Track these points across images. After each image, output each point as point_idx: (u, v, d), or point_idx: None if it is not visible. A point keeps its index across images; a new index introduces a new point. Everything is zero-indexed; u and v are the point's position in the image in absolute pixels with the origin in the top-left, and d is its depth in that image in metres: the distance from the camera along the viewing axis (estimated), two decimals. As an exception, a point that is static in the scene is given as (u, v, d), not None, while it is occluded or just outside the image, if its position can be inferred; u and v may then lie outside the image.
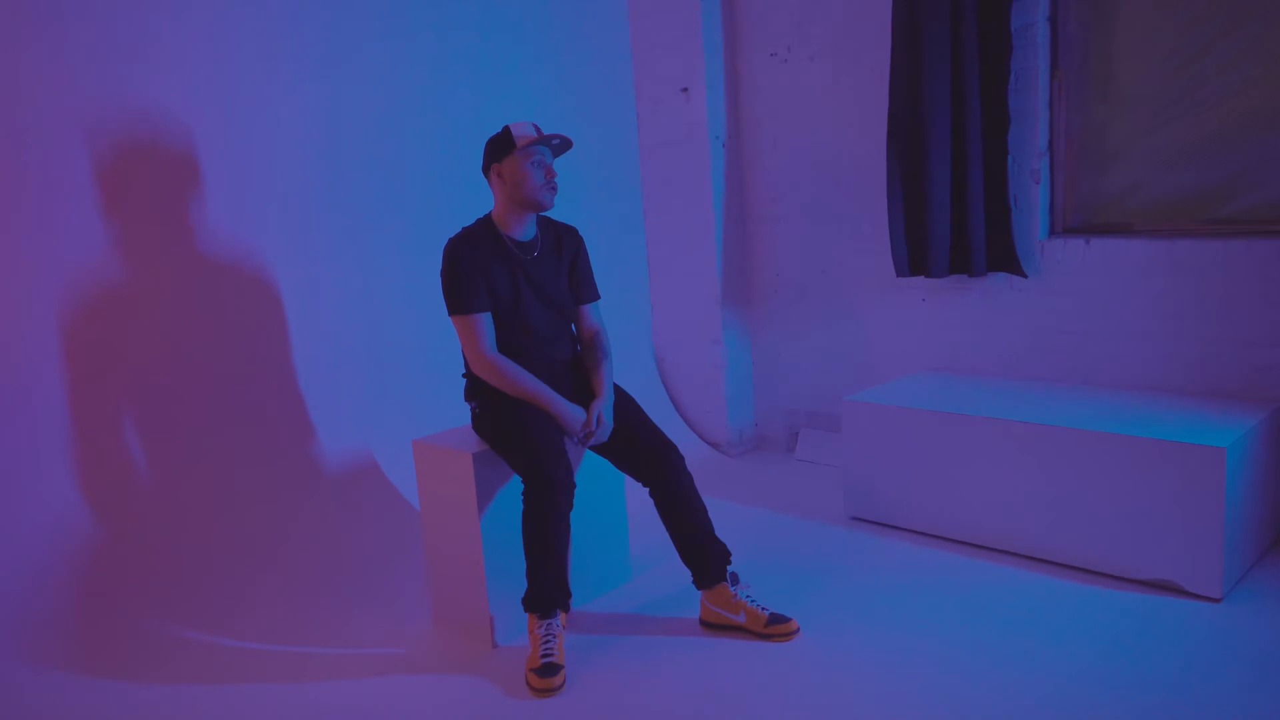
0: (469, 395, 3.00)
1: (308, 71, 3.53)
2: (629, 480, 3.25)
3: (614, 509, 3.29)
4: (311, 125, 3.56)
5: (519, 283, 2.89)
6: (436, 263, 2.94)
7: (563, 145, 2.93)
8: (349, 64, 3.64)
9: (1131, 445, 2.97)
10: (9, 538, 2.93)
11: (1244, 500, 2.95)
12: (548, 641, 2.76)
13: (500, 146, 2.87)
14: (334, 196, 3.65)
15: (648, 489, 2.98)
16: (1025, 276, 3.61)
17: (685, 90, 4.31)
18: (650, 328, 4.74)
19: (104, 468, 3.14)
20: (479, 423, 2.97)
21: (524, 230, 2.92)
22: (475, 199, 3.36)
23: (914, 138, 3.62)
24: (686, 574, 3.13)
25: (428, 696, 2.68)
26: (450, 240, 2.89)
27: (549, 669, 2.69)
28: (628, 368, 4.60)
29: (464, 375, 3.01)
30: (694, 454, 4.53)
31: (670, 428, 4.63)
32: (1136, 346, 3.45)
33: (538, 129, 2.89)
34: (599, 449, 3.01)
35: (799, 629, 2.88)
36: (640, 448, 2.97)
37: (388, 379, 3.83)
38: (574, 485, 2.80)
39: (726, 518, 3.77)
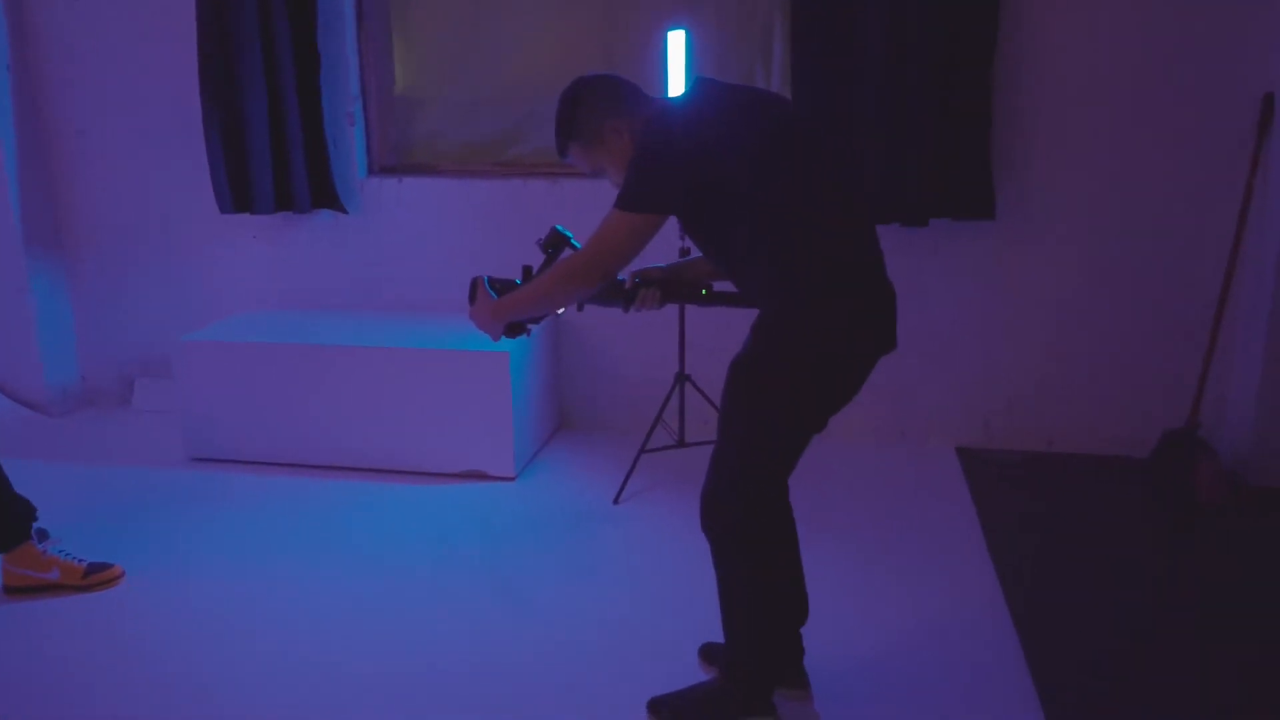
0: None
1: None
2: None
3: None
4: None
5: None
6: None
7: None
8: None
9: (431, 357, 3.39)
10: None
11: (526, 394, 3.55)
12: None
13: None
14: None
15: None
16: (347, 213, 3.85)
17: (-47, -1, 3.71)
18: (-65, 278, 4.05)
19: None
20: None
21: None
22: None
23: (227, 78, 3.60)
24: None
25: None
26: None
27: None
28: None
29: None
30: (10, 417, 4.02)
31: (-28, 391, 4.05)
32: (445, 274, 3.89)
33: None
34: None
35: (123, 573, 2.78)
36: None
37: None
38: None
39: (49, 480, 3.45)
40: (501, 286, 2.19)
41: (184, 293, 4.11)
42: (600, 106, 1.99)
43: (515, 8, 3.81)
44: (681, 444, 3.44)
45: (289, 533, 3.07)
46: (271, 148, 3.68)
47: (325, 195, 3.78)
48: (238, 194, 3.72)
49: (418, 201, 3.86)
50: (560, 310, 2.13)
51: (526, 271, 2.24)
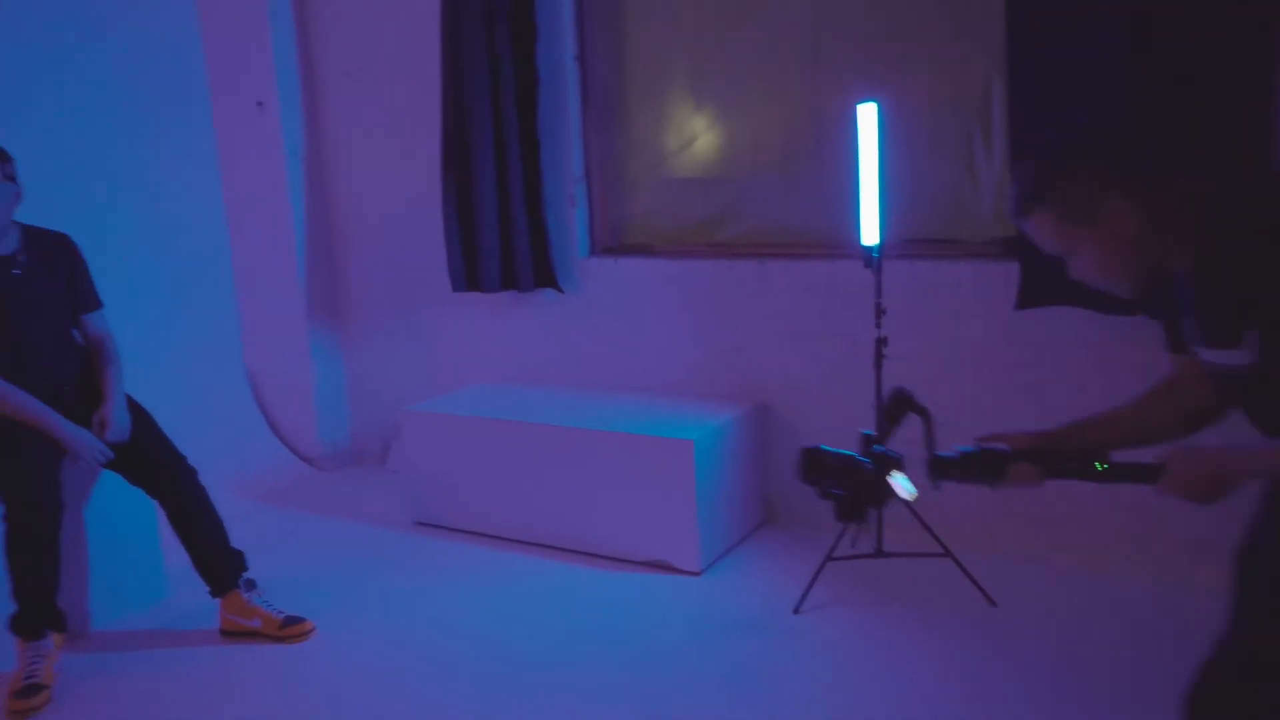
0: (-40, 414, 2.86)
1: None
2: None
3: (144, 522, 3.23)
4: None
5: (5, 299, 2.79)
6: None
7: None
8: None
9: (618, 441, 3.35)
10: None
11: (719, 485, 3.39)
12: (34, 664, 2.69)
13: None
14: None
15: (158, 503, 2.98)
16: (563, 292, 3.95)
17: (260, 104, 4.32)
18: (240, 345, 4.69)
19: None
20: (-33, 442, 2.83)
21: (3, 245, 2.83)
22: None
23: (463, 162, 3.86)
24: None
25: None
26: None
27: (29, 690, 2.63)
28: (216, 387, 4.53)
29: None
30: (285, 470, 4.52)
31: (262, 443, 4.60)
32: (656, 354, 3.86)
33: None
34: (112, 465, 2.95)
35: (314, 628, 2.99)
36: (150, 462, 2.96)
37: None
38: (62, 506, 2.74)
39: (293, 529, 3.85)
40: (836, 458, 1.79)
41: (431, 362, 4.43)
42: (1108, 174, 1.49)
43: (730, 89, 3.75)
44: (879, 554, 3.11)
45: (470, 605, 3.16)
46: (500, 229, 3.88)
47: (544, 275, 3.91)
48: (469, 273, 3.96)
49: (632, 281, 3.88)
50: None
51: (867, 440, 1.79)
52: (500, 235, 3.89)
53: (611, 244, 4.02)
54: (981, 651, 2.72)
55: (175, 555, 3.29)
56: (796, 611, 2.99)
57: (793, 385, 3.64)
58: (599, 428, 3.41)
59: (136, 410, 3.01)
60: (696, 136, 3.85)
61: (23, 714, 2.58)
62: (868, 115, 2.79)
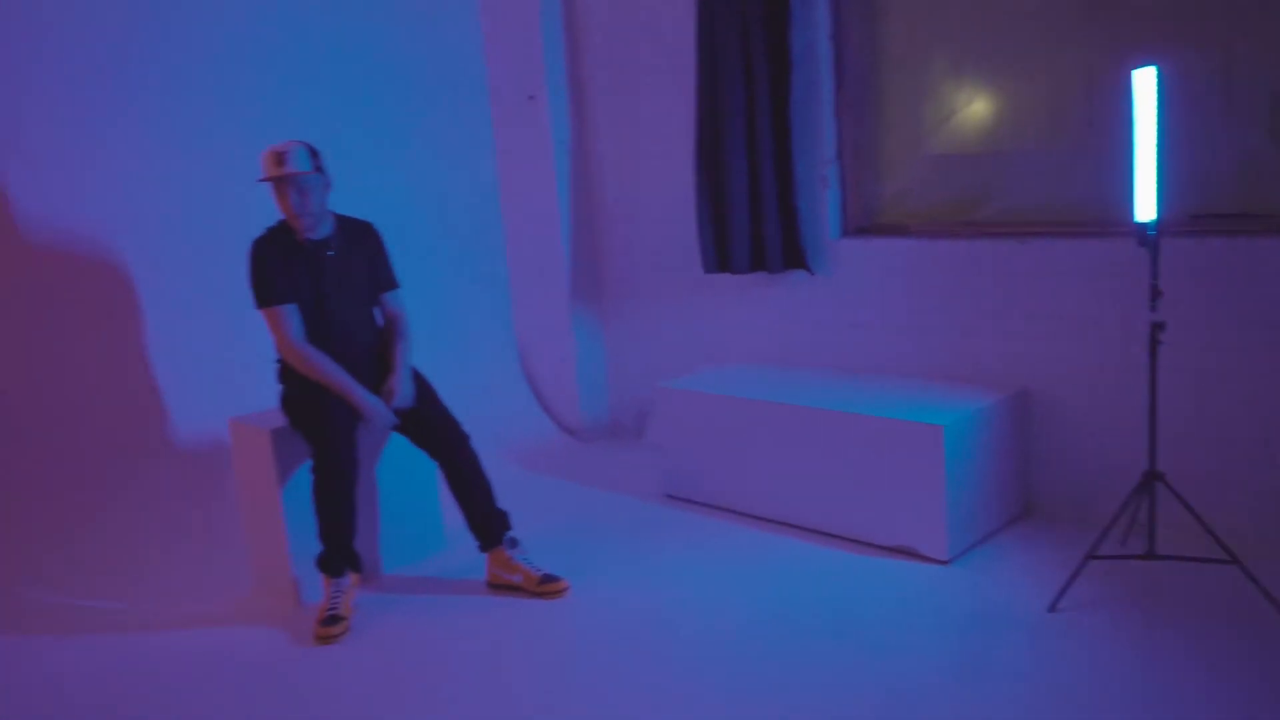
0: (280, 377, 3.31)
1: (147, 73, 3.84)
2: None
3: (426, 484, 3.60)
4: (151, 125, 3.87)
5: (318, 278, 3.20)
6: None
7: (295, 176, 3.05)
8: (187, 70, 3.94)
9: (867, 424, 3.30)
10: None
11: (972, 473, 3.26)
12: (335, 597, 3.09)
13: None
14: (176, 186, 3.95)
15: (437, 464, 3.31)
16: (813, 274, 3.93)
17: (532, 97, 4.63)
18: (511, 323, 5.06)
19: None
20: (285, 402, 3.27)
21: (317, 231, 3.23)
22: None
23: (716, 148, 3.94)
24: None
25: (233, 647, 3.00)
26: (254, 240, 3.18)
27: (331, 620, 3.02)
28: (491, 362, 4.93)
29: (276, 360, 3.32)
30: (548, 440, 4.84)
31: (529, 415, 4.96)
32: (908, 336, 3.77)
33: (279, 160, 3.04)
34: (398, 429, 3.31)
35: (569, 587, 3.21)
36: (430, 428, 3.28)
37: (245, 360, 4.10)
38: (358, 462, 3.12)
39: (553, 495, 4.13)
40: None
41: (688, 340, 4.57)
42: None
43: (993, 58, 3.56)
44: (1150, 556, 2.87)
45: (714, 578, 3.25)
46: (750, 212, 3.93)
47: (794, 257, 3.91)
48: (720, 255, 4.04)
49: (885, 262, 3.80)
50: None
51: None
52: (750, 217, 3.94)
53: (863, 224, 3.96)
54: (1265, 675, 2.44)
55: (450, 514, 3.65)
56: (1051, 609, 2.83)
57: (1056, 372, 3.43)
58: (848, 409, 3.39)
59: (420, 381, 3.34)
60: (955, 110, 3.69)
61: (326, 640, 2.98)
62: (1145, 81, 2.57)
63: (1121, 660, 2.56)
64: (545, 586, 3.20)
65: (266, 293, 3.13)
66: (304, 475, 3.22)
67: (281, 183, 3.07)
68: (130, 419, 3.86)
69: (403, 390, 3.22)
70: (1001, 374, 3.56)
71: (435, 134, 4.65)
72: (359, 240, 3.31)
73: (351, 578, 3.16)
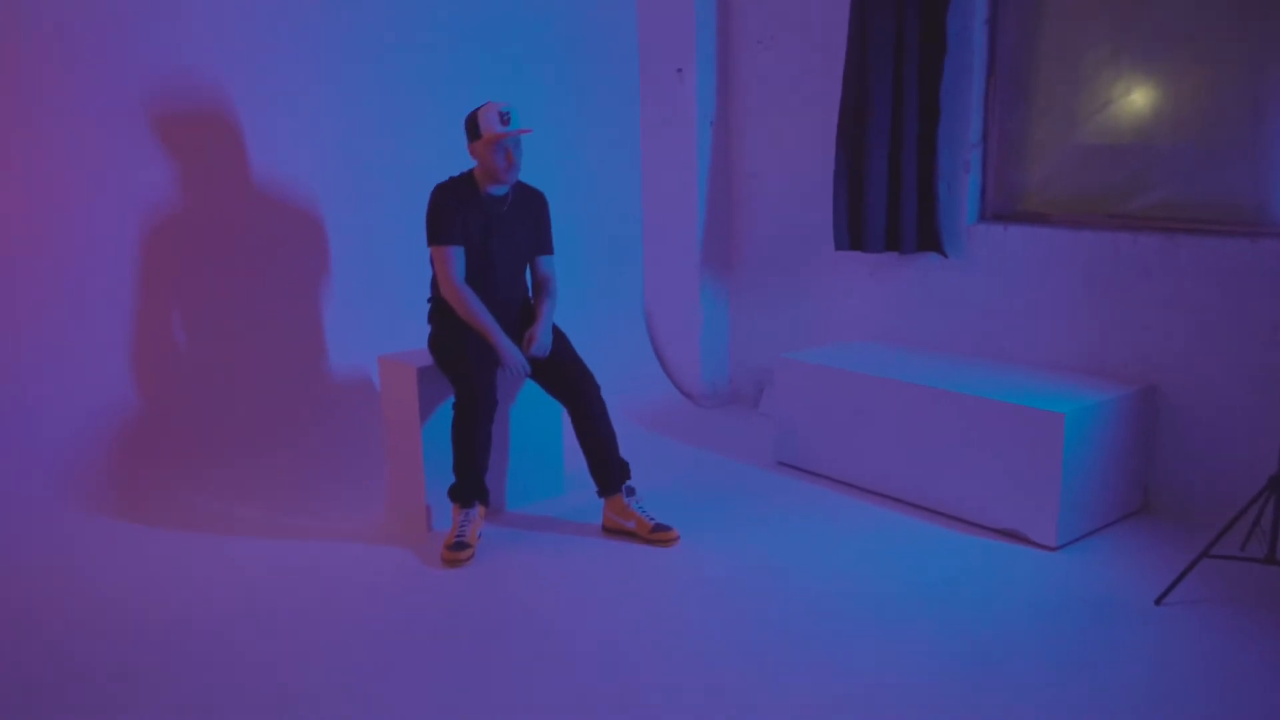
0: (430, 318, 3.57)
1: (338, 36, 4.15)
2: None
3: (552, 431, 3.82)
4: (340, 85, 4.18)
5: (489, 228, 3.42)
6: None
7: (519, 134, 3.34)
8: (373, 27, 4.23)
9: (987, 407, 3.33)
10: (74, 405, 3.68)
11: (1090, 464, 3.25)
12: (463, 525, 3.33)
13: (471, 131, 3.37)
14: (361, 139, 4.24)
15: (566, 410, 3.51)
16: (947, 257, 3.94)
17: (680, 71, 4.76)
18: (641, 288, 5.23)
19: (150, 356, 3.86)
20: (433, 343, 3.53)
21: (499, 188, 3.45)
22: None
23: (858, 127, 3.98)
24: (608, 490, 3.63)
25: (365, 562, 3.28)
26: (437, 185, 3.44)
27: (459, 546, 3.27)
28: (618, 325, 5.11)
29: (429, 300, 3.58)
30: (670, 403, 5.01)
31: (653, 378, 5.13)
32: (1041, 325, 3.75)
33: (505, 117, 3.32)
34: (533, 376, 3.53)
35: (679, 537, 3.37)
36: (564, 376, 3.49)
37: (396, 301, 4.41)
38: (495, 403, 3.34)
39: (672, 454, 4.29)
40: None
41: (810, 315, 4.65)
42: None
43: (1155, 47, 3.49)
44: (1270, 560, 2.82)
45: (819, 545, 3.35)
46: (888, 193, 3.97)
47: (929, 239, 3.93)
48: (854, 233, 4.09)
49: (1022, 250, 3.78)
50: None
51: None
52: (888, 197, 3.98)
53: (1003, 211, 3.95)
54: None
55: (572, 462, 3.86)
56: (1158, 603, 2.83)
57: (1189, 371, 3.37)
58: (967, 391, 3.42)
59: (558, 334, 3.55)
60: (1111, 100, 3.63)
61: (452, 563, 3.23)
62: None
63: (1226, 659, 2.54)
64: (658, 534, 3.37)
65: (440, 232, 3.38)
66: (445, 411, 3.48)
67: (502, 139, 3.31)
68: (292, 351, 4.21)
69: (542, 339, 3.43)
70: (1131, 368, 3.52)
71: (584, 102, 4.84)
72: (530, 204, 3.53)
73: (479, 509, 3.39)
